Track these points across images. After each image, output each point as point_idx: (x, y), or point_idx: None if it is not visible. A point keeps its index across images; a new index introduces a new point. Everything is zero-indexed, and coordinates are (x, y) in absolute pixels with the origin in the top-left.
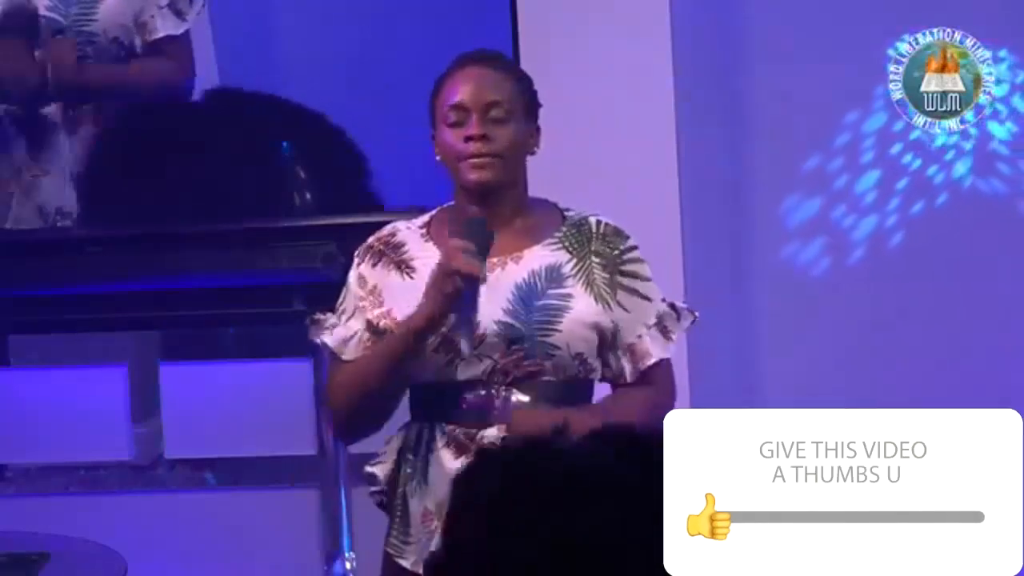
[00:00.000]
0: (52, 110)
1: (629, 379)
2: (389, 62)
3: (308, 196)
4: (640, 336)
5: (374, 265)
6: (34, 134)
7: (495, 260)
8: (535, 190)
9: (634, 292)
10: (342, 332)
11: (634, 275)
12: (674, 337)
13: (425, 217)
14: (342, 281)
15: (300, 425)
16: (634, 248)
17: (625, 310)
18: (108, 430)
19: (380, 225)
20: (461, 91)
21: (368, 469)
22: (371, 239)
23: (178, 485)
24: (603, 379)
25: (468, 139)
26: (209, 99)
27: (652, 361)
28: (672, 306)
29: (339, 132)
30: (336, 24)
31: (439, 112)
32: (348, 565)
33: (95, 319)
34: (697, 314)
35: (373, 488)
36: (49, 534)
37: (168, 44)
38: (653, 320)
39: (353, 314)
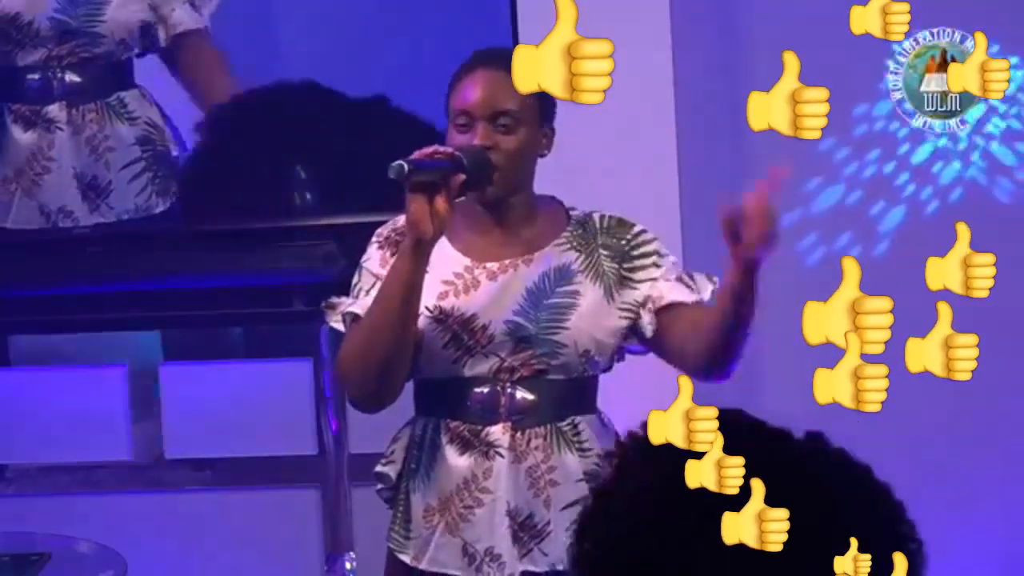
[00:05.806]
0: (56, 108)
1: (648, 326)
2: (389, 63)
3: (308, 196)
4: (660, 288)
5: (392, 254)
6: (37, 132)
7: (507, 263)
8: (536, 190)
9: (651, 266)
10: (364, 301)
11: (652, 253)
12: (697, 285)
13: None
14: (342, 281)
15: (300, 425)
16: (642, 232)
17: (644, 282)
18: (108, 430)
19: (380, 225)
20: (471, 96)
21: (379, 469)
22: (387, 229)
23: (178, 485)
24: (641, 344)
25: None
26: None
27: (674, 300)
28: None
29: (338, 131)
30: (336, 24)
31: (451, 112)
32: (348, 565)
33: (95, 319)
34: (716, 279)
35: (381, 486)
36: (49, 534)
37: (192, 38)
38: (673, 275)
39: (371, 289)
